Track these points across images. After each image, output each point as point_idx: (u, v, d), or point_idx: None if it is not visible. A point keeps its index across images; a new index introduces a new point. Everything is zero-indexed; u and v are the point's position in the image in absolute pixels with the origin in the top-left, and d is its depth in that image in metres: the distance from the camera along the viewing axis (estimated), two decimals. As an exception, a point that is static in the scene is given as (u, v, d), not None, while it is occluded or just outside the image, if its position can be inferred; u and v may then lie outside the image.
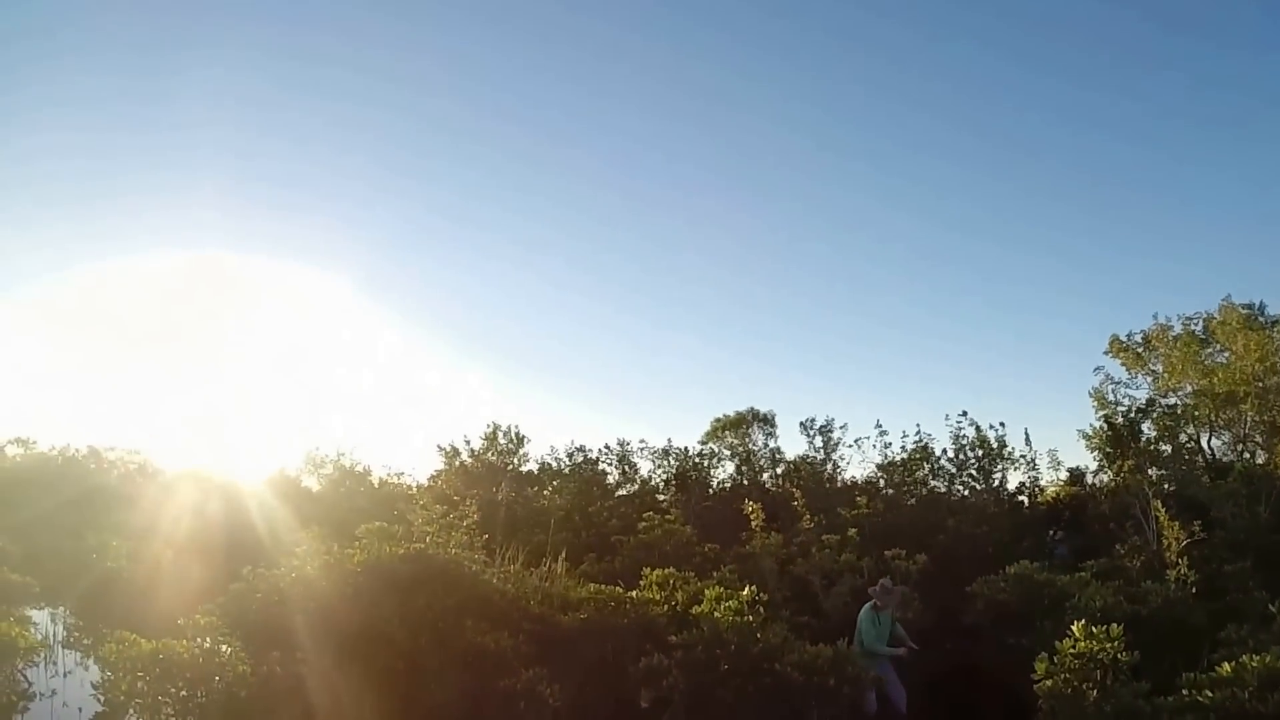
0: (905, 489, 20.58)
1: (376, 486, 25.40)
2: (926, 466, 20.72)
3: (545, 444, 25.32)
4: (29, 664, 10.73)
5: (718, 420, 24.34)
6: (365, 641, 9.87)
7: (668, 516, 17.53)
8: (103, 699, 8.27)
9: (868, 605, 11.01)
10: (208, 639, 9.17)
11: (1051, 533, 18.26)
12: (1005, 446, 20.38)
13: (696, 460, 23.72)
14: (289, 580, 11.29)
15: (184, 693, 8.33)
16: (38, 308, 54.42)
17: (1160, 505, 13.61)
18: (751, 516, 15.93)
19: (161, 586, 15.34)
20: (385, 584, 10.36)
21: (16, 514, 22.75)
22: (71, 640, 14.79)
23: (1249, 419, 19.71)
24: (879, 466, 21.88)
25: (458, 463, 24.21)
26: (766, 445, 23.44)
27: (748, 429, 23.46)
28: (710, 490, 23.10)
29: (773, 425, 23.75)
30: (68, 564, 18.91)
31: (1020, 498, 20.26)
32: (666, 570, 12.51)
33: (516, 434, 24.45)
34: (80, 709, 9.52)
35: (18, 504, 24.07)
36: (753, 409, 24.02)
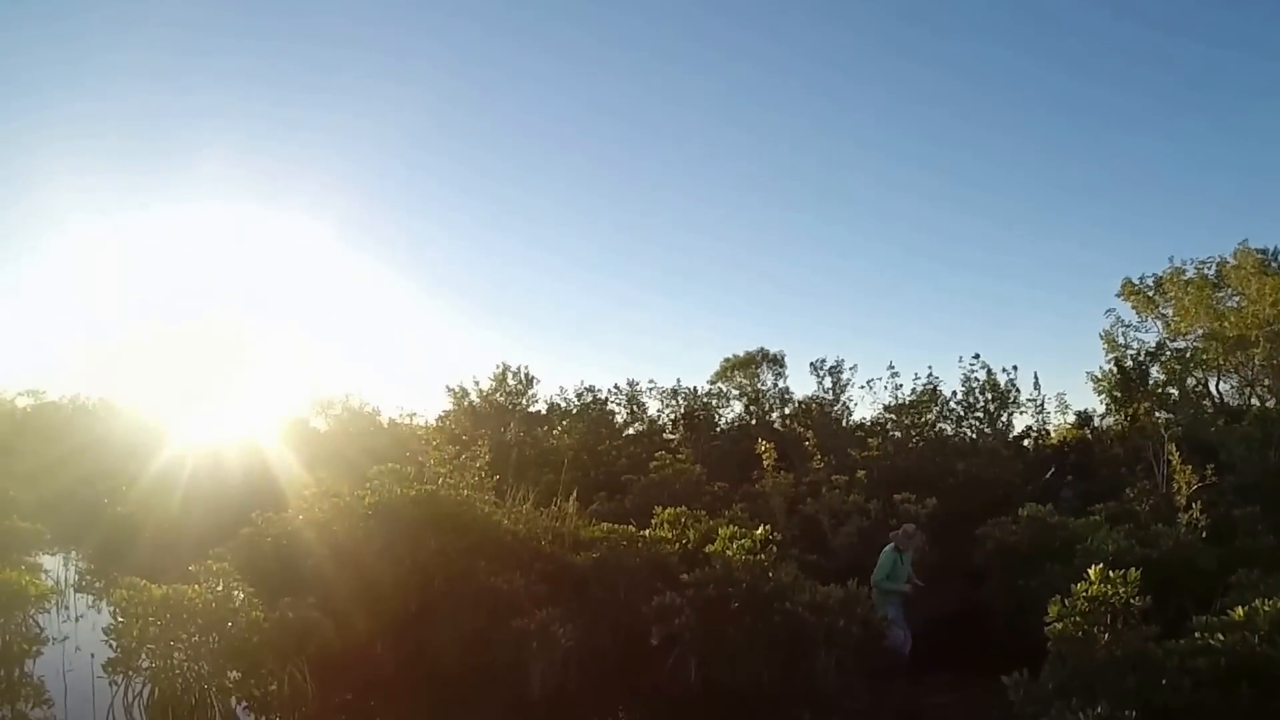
0: (914, 431, 20.56)
1: (385, 427, 25.47)
2: (935, 409, 20.69)
3: (554, 385, 25.13)
4: (40, 610, 10.87)
5: (727, 360, 24.30)
6: (377, 584, 9.94)
7: (679, 456, 17.58)
8: (114, 644, 8.35)
9: (890, 546, 11.06)
10: (220, 584, 9.18)
11: (1051, 471, 18.19)
12: (1016, 390, 20.38)
13: (705, 400, 23.70)
14: (298, 524, 11.36)
15: (196, 638, 8.38)
16: (39, 267, 54.70)
17: (1174, 448, 13.57)
18: (764, 456, 15.95)
19: (173, 531, 15.50)
20: (396, 526, 10.42)
21: (27, 462, 22.99)
22: (84, 584, 14.96)
23: (1258, 363, 19.58)
24: (887, 408, 21.86)
25: (466, 403, 24.23)
26: (776, 385, 23.41)
27: (757, 369, 23.40)
28: (718, 430, 23.09)
29: (782, 366, 23.72)
30: (79, 510, 19.16)
31: (1025, 441, 20.24)
32: (678, 509, 12.58)
33: (526, 374, 24.47)
34: (92, 654, 9.60)
35: (28, 453, 24.32)
36: (762, 349, 23.96)
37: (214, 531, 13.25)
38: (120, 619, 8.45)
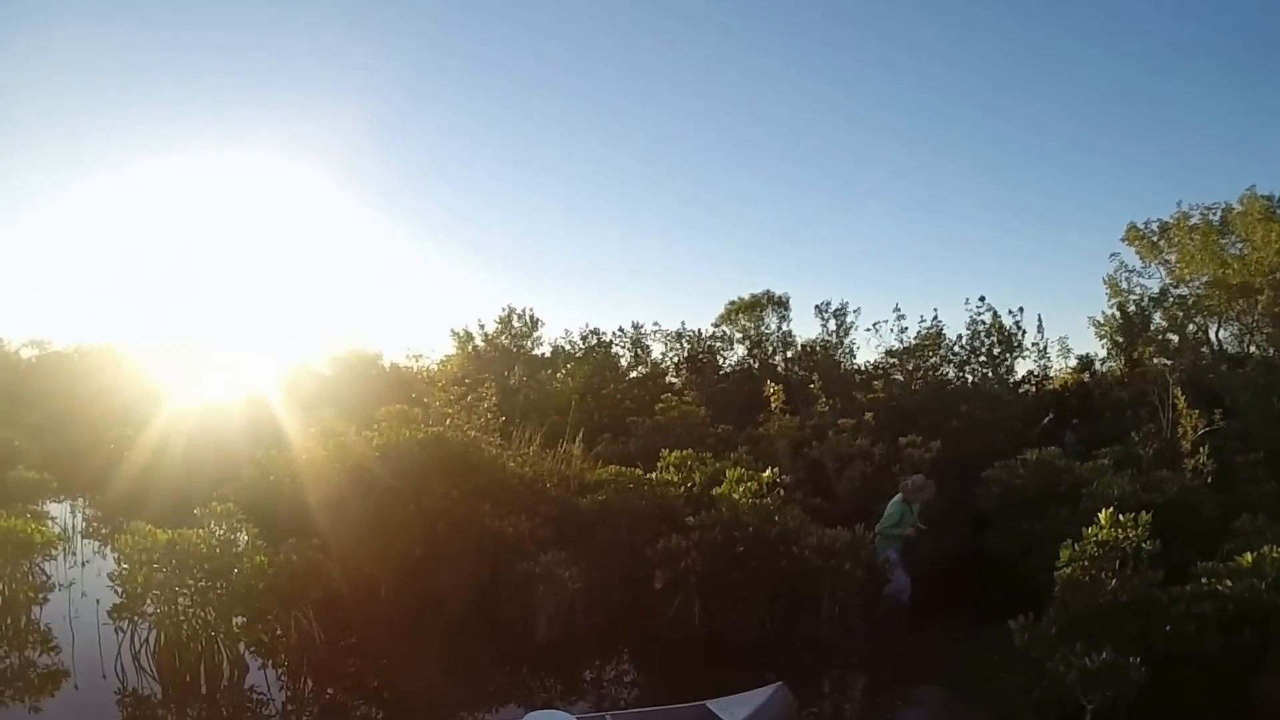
0: (917, 375, 20.49)
1: (389, 370, 25.44)
2: (939, 352, 20.59)
3: (558, 329, 24.98)
4: (47, 557, 10.93)
5: (731, 303, 24.15)
6: (382, 527, 9.96)
7: (684, 398, 17.56)
8: (120, 590, 8.38)
9: (898, 497, 11.06)
10: (224, 527, 9.19)
11: (1049, 417, 18.15)
12: (1022, 332, 20.29)
13: (709, 343, 23.59)
14: (302, 464, 11.34)
15: (202, 583, 8.37)
16: (43, 216, 54.33)
17: (1179, 393, 13.53)
18: (772, 398, 15.93)
19: (182, 476, 15.53)
20: (402, 469, 10.40)
21: (33, 413, 23.01)
22: (91, 531, 15.04)
23: (1260, 310, 19.45)
24: (890, 352, 21.80)
25: (471, 347, 24.16)
26: (780, 329, 23.27)
27: (761, 312, 23.24)
28: (722, 373, 23.03)
29: (786, 309, 23.53)
30: (87, 458, 19.21)
31: (1027, 386, 20.17)
32: (684, 451, 12.58)
33: (531, 317, 24.38)
34: (98, 600, 9.65)
35: (34, 404, 24.33)
36: (767, 292, 23.77)
37: (222, 476, 13.25)
38: (125, 565, 8.47)
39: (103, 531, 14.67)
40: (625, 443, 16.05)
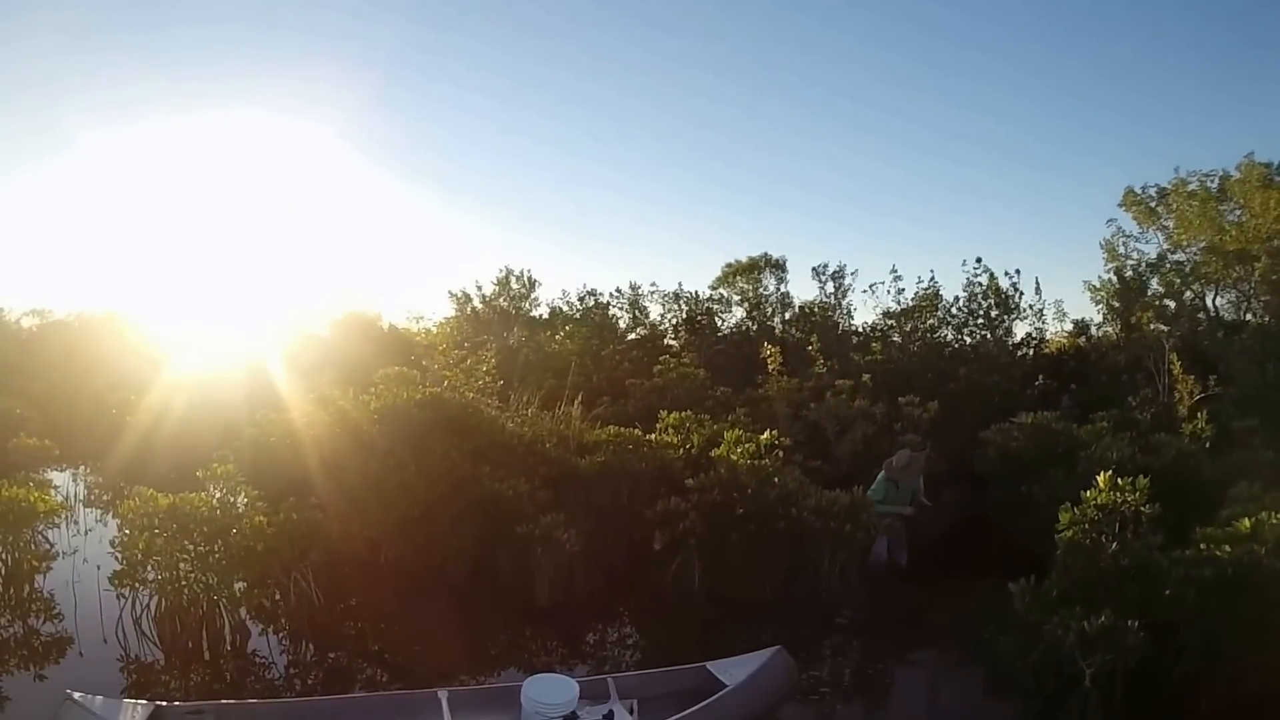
0: (915, 336, 20.51)
1: (387, 332, 25.37)
2: (937, 314, 20.59)
3: (556, 289, 24.83)
4: (50, 525, 10.91)
5: (729, 265, 24.09)
6: (382, 489, 9.96)
7: (682, 360, 17.53)
8: (121, 556, 8.36)
9: (882, 475, 10.94)
10: (223, 490, 9.18)
11: (1040, 380, 18.13)
12: (1020, 294, 20.33)
13: (707, 305, 23.54)
14: (301, 427, 11.31)
15: (201, 546, 8.36)
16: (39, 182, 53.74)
17: (1175, 358, 13.56)
18: (770, 360, 15.92)
19: (185, 441, 15.49)
20: (401, 430, 10.39)
21: (34, 382, 22.86)
22: (93, 499, 15.02)
23: (1257, 278, 19.41)
24: (888, 313, 21.81)
25: (469, 309, 24.11)
26: (778, 290, 23.22)
27: (759, 274, 23.17)
28: (720, 335, 23.01)
29: (784, 270, 23.48)
30: (88, 425, 19.14)
31: (1024, 349, 20.18)
32: (683, 413, 12.58)
33: (529, 278, 24.29)
34: (99, 566, 9.66)
35: (36, 373, 24.15)
36: (765, 254, 23.70)
37: (222, 440, 13.25)
38: (126, 531, 8.46)
39: (105, 499, 14.63)
40: (624, 404, 16.03)
